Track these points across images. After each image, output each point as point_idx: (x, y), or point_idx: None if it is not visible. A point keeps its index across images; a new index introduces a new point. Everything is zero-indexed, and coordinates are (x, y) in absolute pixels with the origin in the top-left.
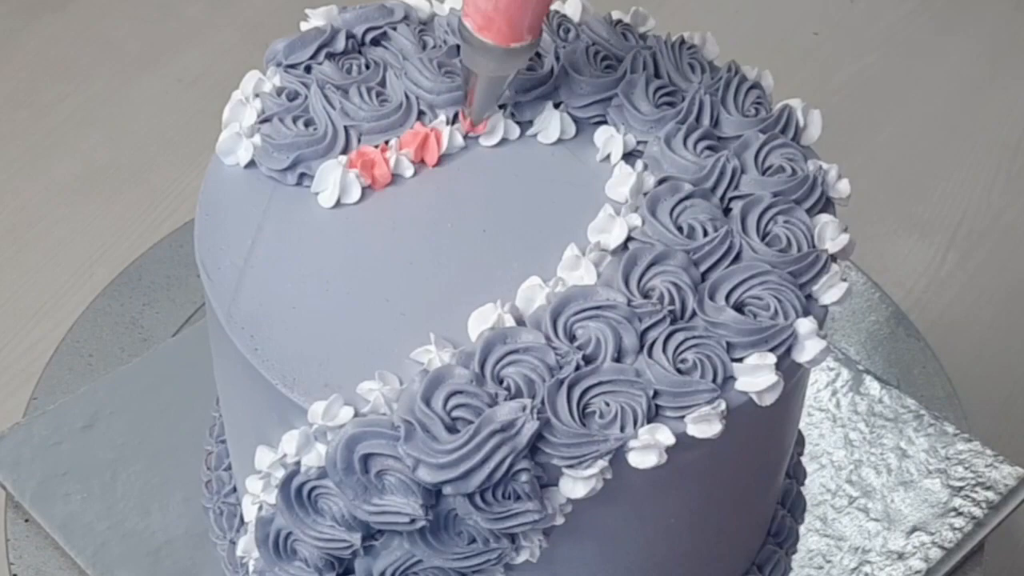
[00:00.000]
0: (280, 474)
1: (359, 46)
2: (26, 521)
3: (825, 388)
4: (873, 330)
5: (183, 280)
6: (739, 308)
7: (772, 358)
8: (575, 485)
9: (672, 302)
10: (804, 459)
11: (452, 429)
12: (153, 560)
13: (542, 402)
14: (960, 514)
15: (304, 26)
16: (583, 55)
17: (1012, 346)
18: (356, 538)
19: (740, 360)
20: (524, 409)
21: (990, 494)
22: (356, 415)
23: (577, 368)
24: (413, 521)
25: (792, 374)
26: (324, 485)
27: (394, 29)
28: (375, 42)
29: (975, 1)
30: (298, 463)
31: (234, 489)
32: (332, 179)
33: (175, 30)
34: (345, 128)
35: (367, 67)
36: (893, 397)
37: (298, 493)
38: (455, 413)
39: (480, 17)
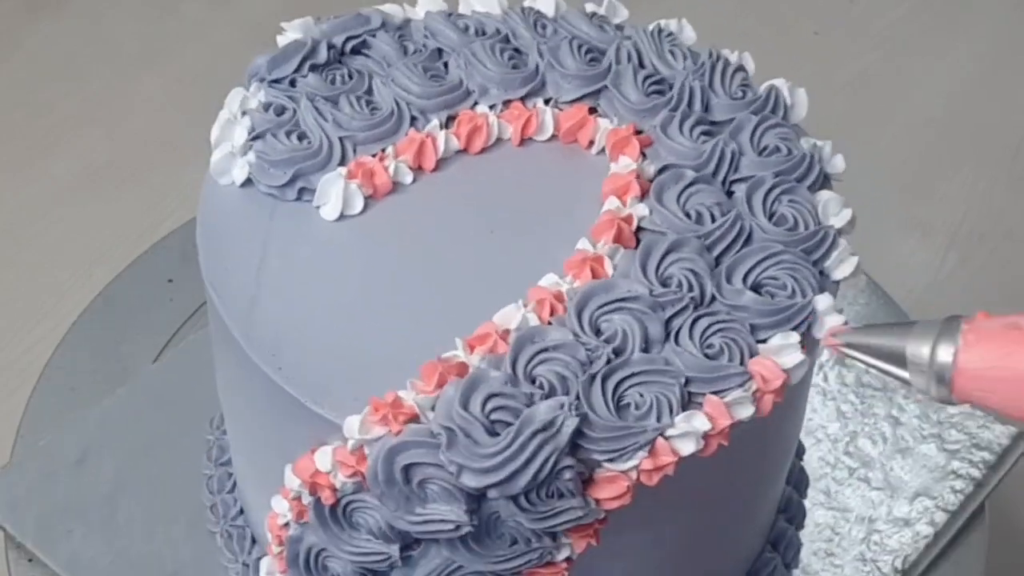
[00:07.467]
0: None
1: (340, 56)
2: (29, 561)
3: None
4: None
5: (160, 303)
6: (756, 289)
7: (796, 336)
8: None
9: (691, 289)
10: (800, 434)
11: (492, 432)
12: None
13: (577, 398)
14: (959, 476)
15: (281, 40)
16: (567, 49)
17: None
18: (395, 549)
19: (763, 341)
20: (563, 407)
21: (986, 454)
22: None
23: (608, 361)
24: (458, 528)
25: (813, 350)
26: (360, 499)
27: (373, 36)
28: (355, 51)
29: (975, 1)
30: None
31: (241, 511)
32: (334, 192)
33: (175, 30)
34: (340, 139)
35: (351, 76)
36: None
37: (332, 509)
38: (494, 416)
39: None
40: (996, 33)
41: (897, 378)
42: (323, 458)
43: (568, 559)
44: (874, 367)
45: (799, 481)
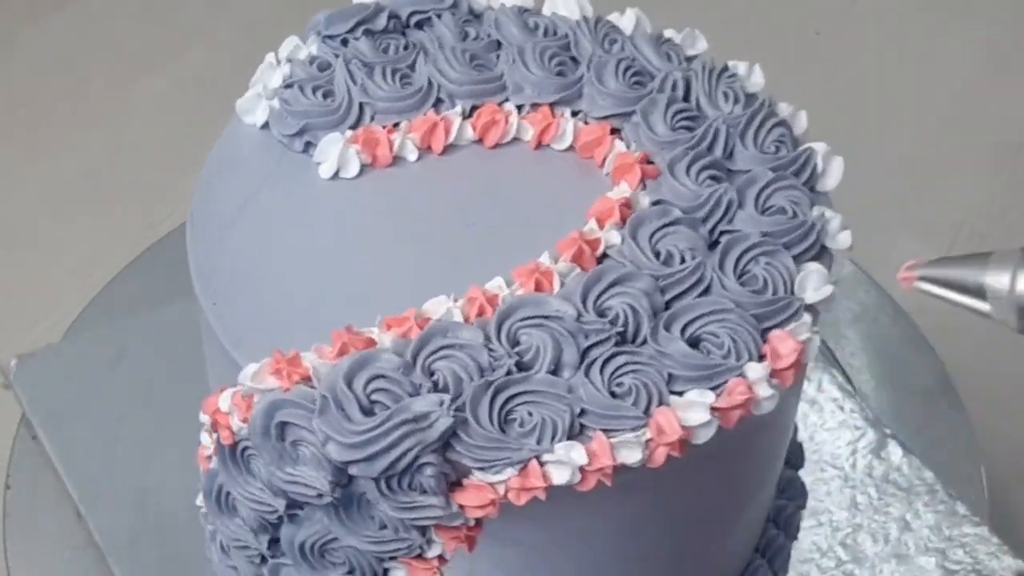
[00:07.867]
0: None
1: (403, 27)
2: (33, 438)
3: (846, 447)
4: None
5: None
6: (695, 342)
7: (711, 396)
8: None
9: (625, 324)
10: (804, 513)
11: (368, 412)
12: (140, 500)
13: (464, 401)
14: None
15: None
16: (612, 68)
17: (1014, 346)
18: (280, 504)
19: (681, 393)
20: (441, 404)
21: None
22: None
23: (508, 373)
24: (321, 496)
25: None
26: (252, 446)
27: (439, 16)
28: (419, 25)
29: (975, 1)
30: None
31: None
32: (333, 152)
33: (175, 30)
34: (360, 104)
35: (405, 48)
36: (912, 467)
37: (232, 450)
38: (374, 397)
39: None
40: (996, 33)
41: (975, 311)
42: (225, 399)
43: (440, 557)
44: (952, 301)
45: (776, 557)
